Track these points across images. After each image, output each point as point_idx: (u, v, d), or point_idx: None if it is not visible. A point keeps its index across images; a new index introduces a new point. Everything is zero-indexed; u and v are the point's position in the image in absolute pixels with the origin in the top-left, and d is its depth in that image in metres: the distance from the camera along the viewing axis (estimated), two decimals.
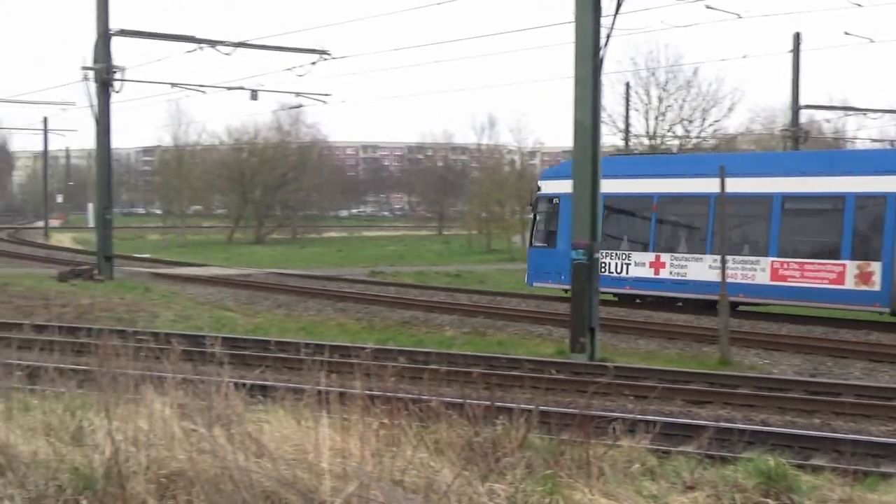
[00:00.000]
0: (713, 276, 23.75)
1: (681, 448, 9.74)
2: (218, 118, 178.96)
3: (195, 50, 34.34)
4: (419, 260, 56.62)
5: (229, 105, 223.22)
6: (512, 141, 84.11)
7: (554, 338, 22.73)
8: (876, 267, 24.20)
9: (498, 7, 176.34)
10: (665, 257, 28.17)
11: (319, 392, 6.96)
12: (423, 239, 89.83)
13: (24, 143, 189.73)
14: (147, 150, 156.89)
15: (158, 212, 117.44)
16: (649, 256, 28.48)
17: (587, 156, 18.91)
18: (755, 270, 26.16)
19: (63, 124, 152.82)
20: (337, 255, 62.44)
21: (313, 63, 35.16)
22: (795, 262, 25.61)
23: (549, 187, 30.80)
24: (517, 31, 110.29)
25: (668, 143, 56.93)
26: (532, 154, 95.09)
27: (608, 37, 18.72)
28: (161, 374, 8.15)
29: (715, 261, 23.64)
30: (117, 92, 33.73)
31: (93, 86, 33.46)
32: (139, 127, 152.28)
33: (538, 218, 31.67)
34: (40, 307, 25.57)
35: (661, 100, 57.10)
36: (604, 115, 21.93)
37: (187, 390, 7.61)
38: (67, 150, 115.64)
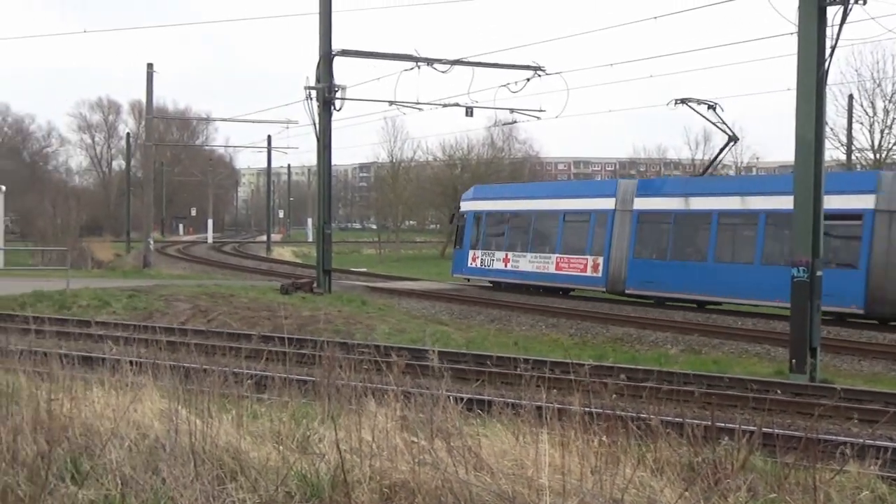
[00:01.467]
0: (531, 268, 37.67)
1: None
2: (432, 134, 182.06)
3: (413, 68, 35.03)
4: None
5: (443, 121, 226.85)
6: (728, 156, 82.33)
7: (772, 357, 22.08)
8: (601, 260, 34.92)
9: (713, 20, 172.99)
10: (510, 255, 39.10)
11: (538, 408, 6.95)
12: None
13: (249, 161, 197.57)
14: (363, 167, 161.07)
15: (374, 227, 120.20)
16: (502, 254, 39.40)
17: (809, 172, 18.25)
18: (548, 263, 37.25)
19: (285, 142, 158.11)
20: None
21: (528, 79, 35.32)
22: (566, 258, 36.50)
23: (463, 206, 42.90)
24: (733, 43, 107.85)
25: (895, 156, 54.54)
26: (748, 169, 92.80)
27: (833, 48, 18.04)
28: (382, 386, 8.32)
29: (534, 257, 37.86)
30: (338, 110, 34.64)
31: (315, 105, 34.48)
32: (356, 144, 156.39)
33: (457, 228, 42.93)
34: (264, 318, 26.51)
35: (887, 112, 54.79)
36: (826, 129, 21.06)
37: (407, 402, 7.73)
38: (289, 167, 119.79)
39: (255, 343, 14.36)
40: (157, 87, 69.64)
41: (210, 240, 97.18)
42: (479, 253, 40.36)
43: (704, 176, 38.69)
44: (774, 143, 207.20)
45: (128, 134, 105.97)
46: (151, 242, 55.48)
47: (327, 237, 35.46)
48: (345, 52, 34.92)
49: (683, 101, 33.23)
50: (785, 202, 22.39)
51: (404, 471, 6.20)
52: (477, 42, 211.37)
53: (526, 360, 8.98)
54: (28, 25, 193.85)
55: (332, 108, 34.54)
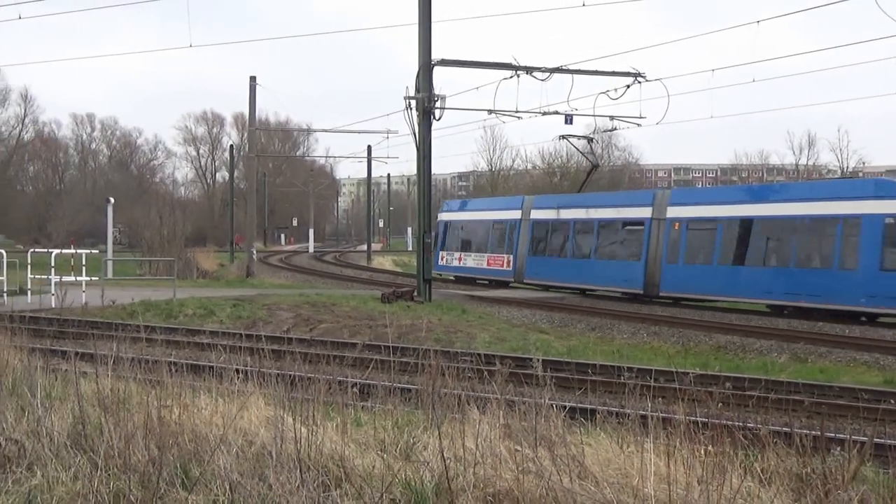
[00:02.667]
0: (474, 264, 48.06)
1: None
2: (531, 142, 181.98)
3: (511, 77, 35.06)
4: None
5: (542, 129, 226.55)
6: (833, 160, 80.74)
7: (882, 366, 21.53)
8: (511, 258, 44.92)
9: (817, 23, 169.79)
10: (462, 255, 49.61)
11: (643, 416, 6.89)
12: None
13: (349, 171, 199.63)
14: (463, 176, 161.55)
15: None
16: (458, 254, 49.88)
17: None
18: (482, 260, 47.48)
19: (385, 152, 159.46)
20: None
21: (627, 86, 35.16)
22: (492, 256, 46.60)
23: (439, 217, 52.00)
24: (837, 46, 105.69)
25: None
26: (854, 173, 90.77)
27: None
28: (485, 394, 8.33)
29: (476, 256, 48.20)
30: (438, 119, 34.80)
31: (415, 114, 34.68)
32: (456, 153, 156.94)
33: (437, 234, 48.86)
34: (365, 327, 26.71)
35: None
36: None
37: (510, 410, 7.73)
38: (388, 177, 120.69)
39: (358, 351, 14.49)
40: (260, 100, 70.77)
41: (311, 249, 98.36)
42: (444, 254, 50.71)
43: (574, 194, 48.18)
44: (882, 148, 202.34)
45: (231, 146, 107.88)
46: (254, 252, 56.37)
47: (427, 246, 35.60)
48: (444, 62, 35.09)
49: (564, 137, 46.55)
50: (611, 213, 39.52)
51: (508, 479, 6.19)
52: (576, 50, 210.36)
53: (629, 369, 8.88)
54: (134, 41, 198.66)
55: (432, 117, 34.70)
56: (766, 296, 32.52)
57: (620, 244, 39.02)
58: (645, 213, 37.53)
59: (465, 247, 49.52)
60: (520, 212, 45.17)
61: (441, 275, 48.72)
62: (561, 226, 42.58)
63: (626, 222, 38.56)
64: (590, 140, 49.98)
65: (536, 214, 44.22)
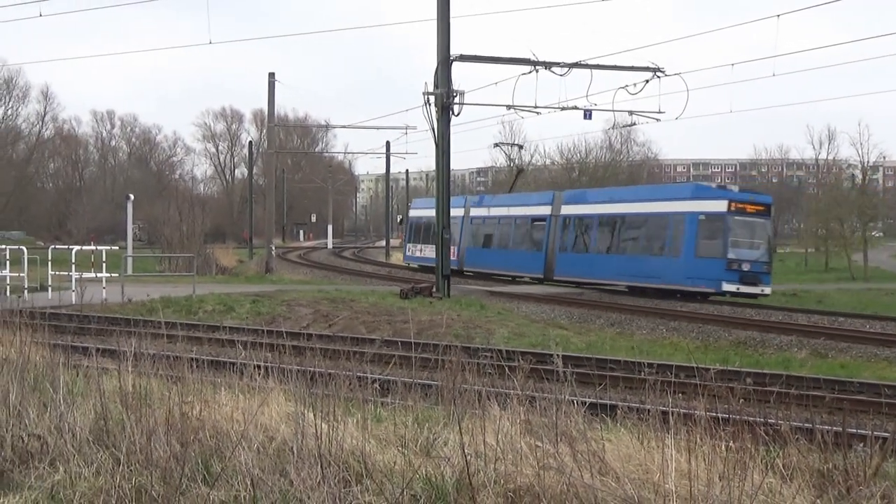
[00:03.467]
0: (430, 254, 47.62)
1: None
2: (550, 137, 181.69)
3: (530, 72, 34.99)
4: None
5: (561, 124, 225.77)
6: (853, 155, 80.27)
7: None
8: (456, 249, 48.72)
9: (837, 17, 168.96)
10: (421, 246, 56.16)
11: (663, 412, 6.87)
12: None
13: (368, 167, 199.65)
14: (481, 171, 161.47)
15: None
16: (419, 246, 56.75)
17: None
18: (429, 251, 49.76)
19: (404, 148, 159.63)
20: None
21: (647, 81, 35.03)
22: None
23: (410, 213, 61.74)
24: (857, 40, 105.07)
25: None
26: (875, 168, 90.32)
27: None
28: (505, 390, 8.32)
29: (429, 248, 49.36)
30: (456, 115, 34.77)
31: (433, 110, 34.64)
32: (474, 148, 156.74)
33: (406, 228, 61.10)
34: (384, 322, 26.74)
35: None
36: None
37: (531, 406, 7.72)
38: (407, 173, 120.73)
39: (378, 347, 14.50)
40: (279, 96, 70.99)
41: (330, 245, 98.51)
42: (410, 245, 59.61)
43: (501, 195, 56.34)
44: None
45: (250, 142, 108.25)
46: (273, 248, 56.44)
47: (446, 242, 35.59)
48: (462, 57, 35.05)
49: (497, 144, 61.70)
50: (524, 210, 47.94)
51: (529, 475, 6.19)
52: (595, 44, 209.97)
53: (649, 365, 8.85)
54: (154, 38, 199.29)
55: (451, 113, 34.68)
56: (625, 279, 39.90)
57: (530, 237, 47.39)
58: (546, 210, 45.91)
59: (424, 239, 55.56)
60: (462, 210, 52.31)
61: (409, 264, 58.52)
62: (490, 222, 51.33)
63: (534, 218, 46.97)
64: (520, 147, 72.08)
65: (474, 212, 52.76)
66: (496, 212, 50.89)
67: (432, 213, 50.66)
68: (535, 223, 46.73)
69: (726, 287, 35.92)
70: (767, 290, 36.76)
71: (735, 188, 40.49)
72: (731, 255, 35.90)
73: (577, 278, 42.59)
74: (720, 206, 36.64)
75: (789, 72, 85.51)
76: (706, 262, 36.13)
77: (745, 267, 35.89)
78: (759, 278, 36.31)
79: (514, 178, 60.67)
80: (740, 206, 36.76)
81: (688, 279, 36.48)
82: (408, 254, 59.44)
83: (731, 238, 36.17)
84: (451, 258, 46.62)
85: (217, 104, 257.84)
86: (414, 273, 53.99)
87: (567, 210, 44.36)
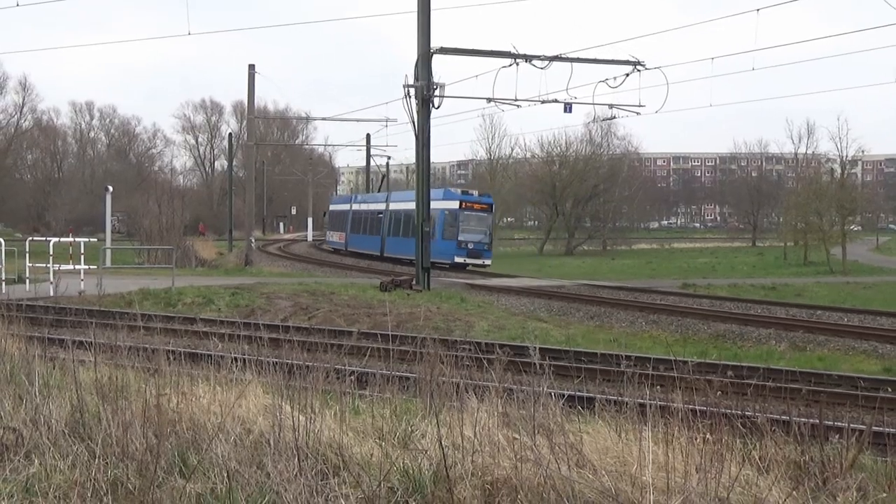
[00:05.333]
0: (335, 239, 72.91)
1: None
2: (530, 131, 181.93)
3: (511, 65, 34.98)
4: (732, 272, 55.24)
5: (542, 118, 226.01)
6: (832, 149, 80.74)
7: (880, 354, 21.58)
8: (344, 234, 69.26)
9: (817, 11, 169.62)
10: (333, 233, 73.30)
11: (641, 405, 6.88)
12: (736, 251, 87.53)
13: (348, 159, 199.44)
14: (462, 164, 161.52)
15: None
16: (331, 233, 74.12)
17: None
18: (335, 237, 71.90)
19: (384, 140, 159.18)
20: (647, 267, 61.90)
21: (627, 74, 35.07)
22: (338, 233, 71.81)
23: (330, 208, 78.96)
24: (837, 35, 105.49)
25: None
26: (853, 162, 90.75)
27: None
28: (483, 382, 8.32)
29: (335, 234, 73.01)
30: (437, 108, 34.74)
31: (414, 103, 34.62)
32: (455, 141, 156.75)
33: (328, 221, 78.64)
34: (363, 315, 26.72)
35: None
36: None
37: (508, 399, 7.72)
38: (387, 165, 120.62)
39: (356, 340, 14.47)
40: (259, 88, 70.95)
41: (310, 238, 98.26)
42: (328, 232, 77.32)
43: (372, 193, 76.03)
44: (881, 135, 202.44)
45: (230, 134, 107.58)
46: (253, 241, 56.35)
47: (426, 234, 35.59)
48: (443, 50, 35.03)
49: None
50: (375, 206, 64.22)
51: (506, 467, 6.19)
52: (575, 38, 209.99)
53: (628, 357, 8.85)
54: (133, 29, 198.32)
55: (431, 105, 34.65)
56: (410, 254, 47.64)
57: (376, 225, 63.29)
58: (383, 206, 62.94)
59: (333, 227, 75.39)
60: (349, 205, 71.13)
61: (328, 247, 75.80)
62: (360, 215, 67.40)
63: (378, 212, 63.53)
64: (388, 157, 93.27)
65: (354, 207, 69.31)
66: (364, 207, 67.37)
67: (337, 207, 75.88)
68: (379, 215, 63.00)
69: (458, 259, 52.70)
70: (488, 262, 53.90)
71: (475, 193, 57.55)
72: (460, 238, 52.86)
73: (397, 255, 56.86)
74: (455, 204, 53.58)
75: (769, 66, 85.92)
76: (447, 242, 52.33)
77: (471, 246, 53.11)
78: (481, 254, 53.44)
79: (381, 179, 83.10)
80: (469, 204, 53.93)
81: (438, 254, 46.96)
82: (328, 239, 77.69)
83: (461, 226, 52.97)
84: (340, 241, 70.77)
85: (197, 96, 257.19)
86: (394, 266, 54.03)
87: (391, 206, 61.09)
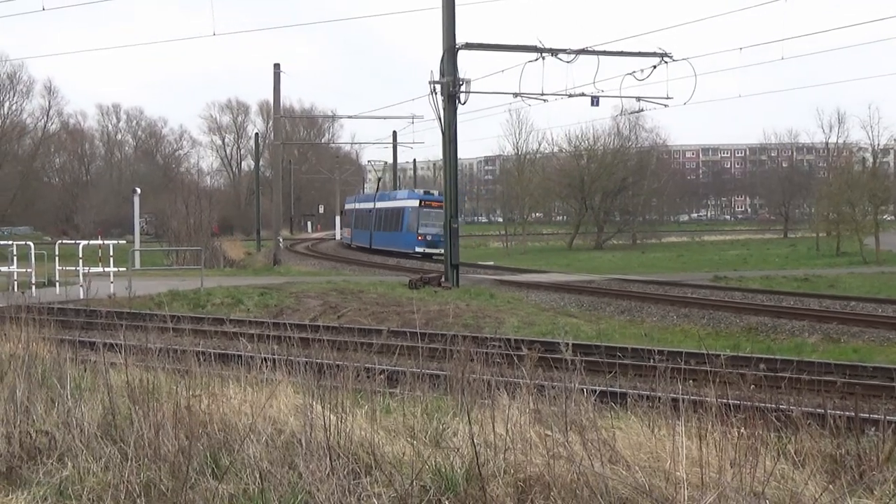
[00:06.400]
0: (347, 235, 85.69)
1: None
2: (557, 125, 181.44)
3: (537, 59, 34.91)
4: (764, 264, 54.88)
5: (569, 112, 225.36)
6: (864, 138, 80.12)
7: None
8: (350, 231, 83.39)
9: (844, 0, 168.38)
10: (347, 230, 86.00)
11: (674, 399, 6.85)
12: (767, 242, 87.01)
13: (374, 156, 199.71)
14: (489, 160, 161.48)
15: (500, 220, 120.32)
16: (346, 230, 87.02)
17: None
18: (346, 233, 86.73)
19: (410, 137, 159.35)
20: (678, 260, 61.59)
21: (654, 66, 34.95)
22: (347, 230, 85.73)
23: (346, 206, 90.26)
24: (867, 22, 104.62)
25: None
26: (885, 151, 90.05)
27: None
28: (514, 379, 8.30)
29: (347, 231, 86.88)
30: (463, 104, 34.72)
31: (440, 99, 34.60)
32: (481, 137, 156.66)
33: (344, 218, 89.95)
34: (392, 313, 26.75)
35: None
36: None
37: (540, 395, 7.71)
38: (414, 162, 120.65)
39: (386, 338, 14.50)
40: (284, 87, 71.06)
41: (338, 236, 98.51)
42: (344, 229, 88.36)
43: (366, 194, 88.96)
44: None
45: (256, 134, 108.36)
46: (281, 240, 56.51)
47: (454, 231, 35.58)
48: (468, 46, 35.00)
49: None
50: (366, 205, 76.85)
51: (539, 464, 6.19)
52: (601, 30, 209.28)
53: (660, 352, 8.81)
54: (158, 30, 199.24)
55: (457, 101, 34.64)
56: (391, 246, 65.04)
57: (368, 222, 74.06)
58: (372, 206, 73.62)
59: (344, 225, 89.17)
60: (354, 205, 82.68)
61: (345, 243, 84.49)
62: (359, 213, 78.26)
63: (369, 210, 74.21)
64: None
65: (357, 206, 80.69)
66: (360, 206, 79.15)
67: (350, 206, 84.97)
68: (368, 213, 74.47)
69: (418, 249, 62.77)
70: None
71: (435, 192, 65.10)
72: (420, 231, 63.13)
73: (382, 247, 67.92)
74: (416, 202, 64.52)
75: (798, 55, 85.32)
76: (410, 235, 63.77)
77: (429, 237, 62.02)
78: (438, 244, 56.41)
79: (378, 181, 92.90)
80: (427, 202, 63.66)
81: (404, 245, 63.54)
82: (342, 235, 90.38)
83: (421, 221, 63.09)
84: (348, 237, 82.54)
85: (223, 96, 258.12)
86: (422, 263, 54.08)
87: (378, 205, 72.32)
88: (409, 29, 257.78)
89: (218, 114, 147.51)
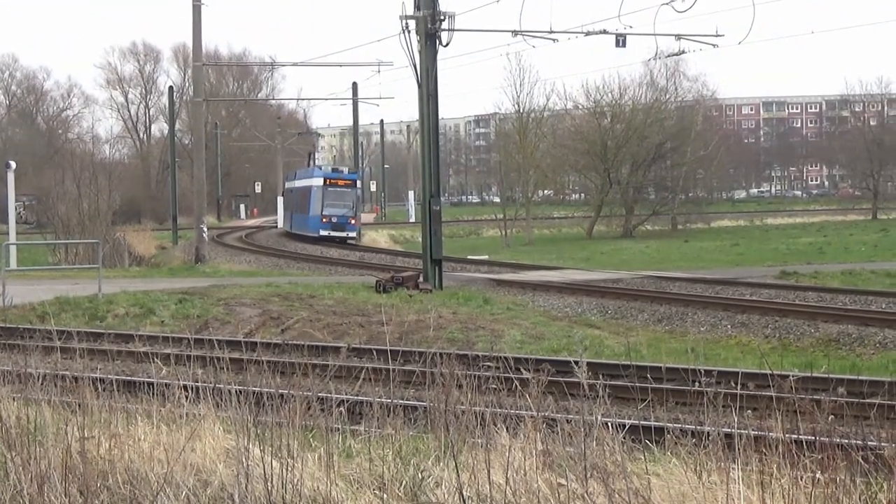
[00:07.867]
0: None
1: None
2: (571, 74, 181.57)
3: None
4: (846, 255, 55.07)
5: (586, 56, 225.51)
6: None
7: None
8: (289, 215, 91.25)
9: None
10: (288, 215, 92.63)
11: (727, 436, 6.88)
12: (851, 226, 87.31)
13: (329, 118, 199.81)
14: (481, 120, 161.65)
15: (496, 199, 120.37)
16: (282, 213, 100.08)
17: None
18: (280, 219, 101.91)
19: (376, 91, 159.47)
20: (732, 251, 61.77)
21: None
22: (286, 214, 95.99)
23: (286, 185, 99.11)
24: None
25: None
26: None
27: None
28: (517, 411, 8.32)
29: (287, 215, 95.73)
30: (445, 45, 34.58)
31: (414, 39, 34.49)
32: (471, 90, 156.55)
33: (285, 200, 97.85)
34: (355, 325, 26.77)
35: None
36: None
37: (550, 432, 7.73)
38: (381, 124, 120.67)
39: (346, 358, 14.54)
40: (208, 27, 70.82)
41: (280, 224, 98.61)
42: (286, 214, 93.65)
43: (300, 169, 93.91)
44: None
45: (170, 88, 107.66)
46: (205, 230, 56.37)
47: (435, 215, 35.50)
48: None
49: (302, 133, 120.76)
50: (307, 183, 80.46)
51: None
52: None
53: (708, 373, 8.83)
54: None
55: (438, 42, 34.58)
56: (303, 230, 76.53)
57: (289, 204, 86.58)
58: (290, 185, 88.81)
59: (286, 208, 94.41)
60: (293, 183, 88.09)
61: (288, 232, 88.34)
62: (294, 192, 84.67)
63: (290, 190, 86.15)
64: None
65: (290, 185, 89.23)
66: (287, 186, 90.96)
67: (293, 184, 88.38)
68: (290, 194, 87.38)
69: (322, 233, 71.62)
70: (352, 235, 73.58)
71: (344, 170, 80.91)
72: (325, 212, 72.13)
73: (295, 231, 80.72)
74: (320, 181, 74.15)
75: None
76: (315, 217, 72.81)
77: (334, 220, 71.95)
78: (344, 227, 71.98)
79: (309, 157, 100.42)
80: (333, 181, 74.21)
81: (308, 228, 74.50)
82: (284, 221, 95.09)
83: (326, 202, 72.35)
84: (287, 223, 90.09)
85: (125, 39, 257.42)
86: (394, 259, 54.04)
87: (295, 185, 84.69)
88: None
89: (119, 62, 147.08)
